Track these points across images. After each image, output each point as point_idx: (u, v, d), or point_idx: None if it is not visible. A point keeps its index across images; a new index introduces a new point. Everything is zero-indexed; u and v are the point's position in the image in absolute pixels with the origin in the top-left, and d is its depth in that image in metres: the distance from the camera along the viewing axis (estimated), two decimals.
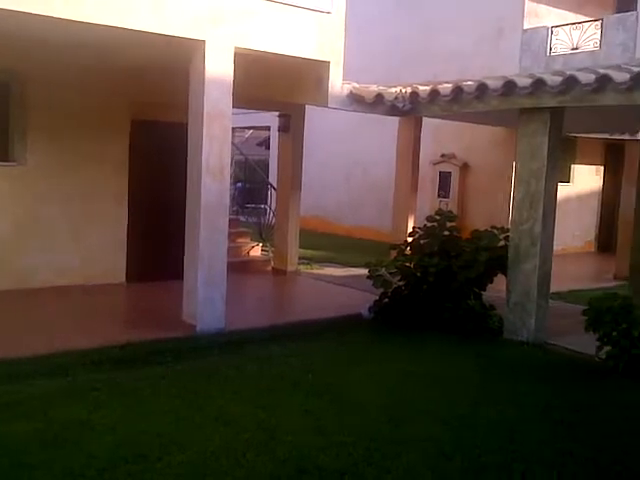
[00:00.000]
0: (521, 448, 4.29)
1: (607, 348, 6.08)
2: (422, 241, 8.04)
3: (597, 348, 6.16)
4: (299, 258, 11.09)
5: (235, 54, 6.64)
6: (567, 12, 13.62)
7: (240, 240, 11.14)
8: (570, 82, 6.60)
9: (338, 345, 6.65)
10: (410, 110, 8.75)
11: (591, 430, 4.68)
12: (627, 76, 6.22)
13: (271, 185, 12.82)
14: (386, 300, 7.74)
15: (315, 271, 11.23)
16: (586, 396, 5.41)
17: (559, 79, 6.73)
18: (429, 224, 8.07)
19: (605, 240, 15.07)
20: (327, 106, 8.17)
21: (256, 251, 11.31)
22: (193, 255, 6.75)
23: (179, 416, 4.55)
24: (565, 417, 4.90)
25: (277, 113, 11.04)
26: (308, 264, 11.64)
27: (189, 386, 5.18)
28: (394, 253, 8.19)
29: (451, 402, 5.14)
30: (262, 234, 12.14)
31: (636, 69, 6.28)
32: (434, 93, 8.19)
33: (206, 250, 6.66)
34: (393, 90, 8.76)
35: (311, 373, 5.65)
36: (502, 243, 7.54)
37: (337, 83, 7.96)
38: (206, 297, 6.72)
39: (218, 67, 6.54)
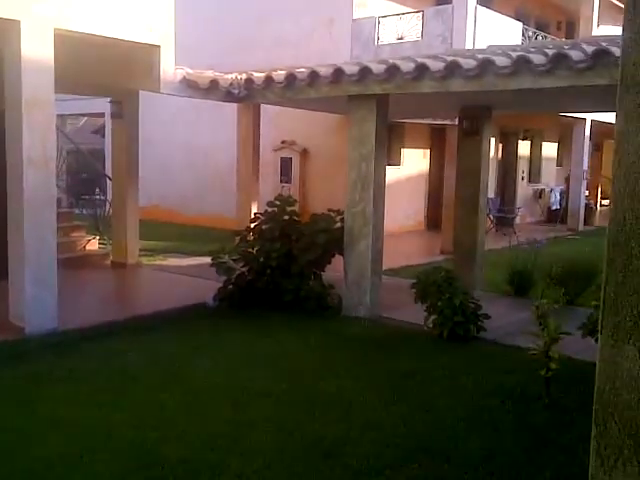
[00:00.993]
0: (358, 418, 4.56)
1: (433, 317, 6.59)
2: (264, 226, 8.17)
3: (425, 318, 6.66)
4: (141, 250, 10.78)
5: (55, 36, 6.29)
6: (394, 3, 14.35)
7: (75, 234, 10.62)
8: (393, 70, 7.01)
9: (182, 336, 6.60)
10: (246, 97, 8.80)
11: (420, 391, 5.08)
12: (442, 65, 6.71)
13: (106, 175, 12.31)
14: (230, 287, 7.79)
15: (158, 262, 10.98)
16: (416, 362, 5.84)
17: (383, 67, 7.12)
18: (270, 209, 8.22)
19: (433, 218, 16.16)
20: (159, 92, 7.99)
21: (93, 245, 10.84)
22: (18, 252, 6.34)
23: (6, 426, 4.31)
24: (397, 383, 5.26)
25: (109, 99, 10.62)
26: (151, 256, 11.36)
27: (17, 392, 4.91)
28: (238, 240, 8.25)
29: (293, 380, 5.32)
30: (99, 227, 11.64)
31: (450, 59, 6.80)
32: (268, 80, 8.31)
33: (32, 246, 6.29)
34: (228, 76, 8.76)
35: (154, 365, 5.59)
36: (339, 225, 7.86)
37: (169, 68, 7.81)
38: (35, 296, 6.34)
39: (36, 50, 6.16)
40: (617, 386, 1.46)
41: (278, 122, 14.12)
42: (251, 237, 8.25)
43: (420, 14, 12.87)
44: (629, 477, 1.44)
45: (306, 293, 7.57)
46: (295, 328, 6.92)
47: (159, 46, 7.52)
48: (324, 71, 7.64)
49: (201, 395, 4.94)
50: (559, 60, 6.00)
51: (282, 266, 7.78)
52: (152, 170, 15.85)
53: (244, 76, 8.73)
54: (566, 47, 6.38)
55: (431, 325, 6.60)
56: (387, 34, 13.20)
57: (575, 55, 5.91)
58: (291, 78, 7.97)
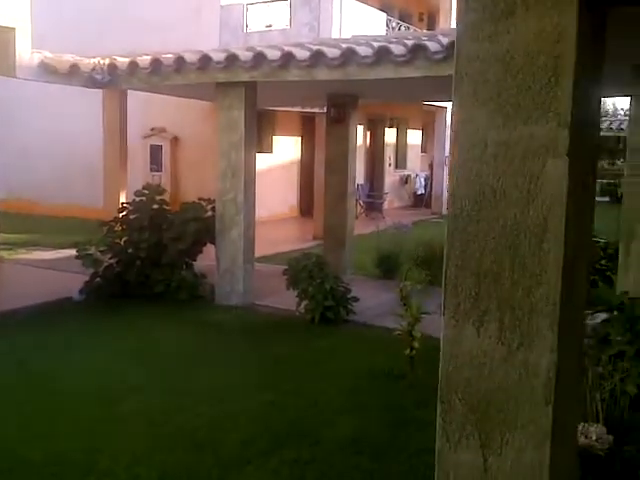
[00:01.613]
0: (231, 406, 4.57)
1: (305, 302, 6.72)
2: (132, 216, 7.92)
3: (297, 303, 6.77)
4: (0, 244, 10.09)
5: None
6: None
7: None
8: (259, 58, 7.00)
9: (46, 333, 6.27)
10: (109, 82, 8.44)
11: (292, 377, 5.17)
12: (307, 54, 6.80)
13: None
14: (98, 280, 7.50)
15: (20, 256, 10.32)
16: (288, 347, 5.93)
17: (250, 55, 7.10)
18: (138, 199, 7.97)
19: (306, 205, 16.38)
20: (15, 77, 7.50)
21: None
22: None
23: None
24: (270, 369, 5.33)
25: None
26: (11, 249, 10.65)
27: None
28: (105, 230, 7.94)
29: (165, 372, 5.24)
30: None
31: (315, 48, 6.90)
32: (133, 65, 8.02)
33: None
34: (90, 61, 8.35)
35: (16, 365, 5.28)
36: (210, 214, 7.78)
37: (25, 52, 7.34)
38: None
39: None
40: (459, 365, 1.57)
41: (147, 109, 13.66)
42: (119, 228, 7.97)
43: (288, 2, 12.93)
44: (472, 450, 1.56)
45: (178, 283, 7.44)
46: (167, 320, 6.79)
47: (14, 28, 7.07)
48: (191, 57, 7.49)
49: (68, 394, 4.73)
50: (417, 51, 6.27)
51: (152, 257, 7.60)
52: (12, 160, 14.83)
53: (107, 61, 8.37)
54: (424, 38, 6.67)
55: (303, 310, 6.72)
56: (256, 21, 13.15)
57: (432, 46, 6.20)
58: (157, 64, 7.74)
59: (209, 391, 4.86)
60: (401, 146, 20.00)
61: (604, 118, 24.20)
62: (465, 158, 1.56)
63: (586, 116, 1.58)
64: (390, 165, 19.45)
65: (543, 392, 1.46)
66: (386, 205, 17.81)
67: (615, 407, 4.01)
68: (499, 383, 1.51)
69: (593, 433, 2.94)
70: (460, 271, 1.57)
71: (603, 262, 7.57)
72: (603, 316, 5.09)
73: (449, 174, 1.62)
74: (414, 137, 20.71)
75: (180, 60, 7.54)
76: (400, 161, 19.99)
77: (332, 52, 6.71)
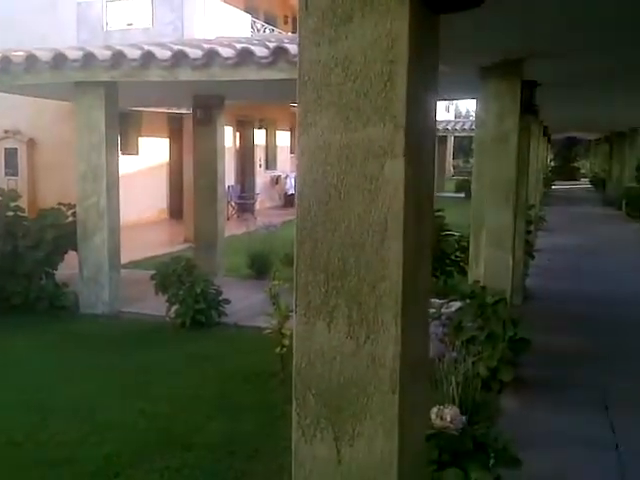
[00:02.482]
0: (99, 419, 4.39)
1: (175, 307, 6.58)
2: None
3: (167, 308, 6.62)
4: None
5: None
6: None
7: None
8: (119, 57, 6.77)
9: None
10: None
11: (162, 383, 5.05)
12: (169, 54, 6.67)
13: None
14: None
15: None
16: (158, 354, 5.79)
17: (109, 53, 6.84)
18: None
19: (176, 207, 16.03)
20: None
21: None
22: None
23: None
24: (139, 378, 5.17)
25: None
26: None
27: None
28: None
29: (27, 388, 4.94)
30: None
31: (177, 47, 6.78)
32: None
33: None
34: None
35: None
36: (71, 219, 7.41)
37: None
38: None
39: None
40: (312, 360, 1.61)
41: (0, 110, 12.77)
42: None
43: (149, 0, 12.58)
44: (326, 443, 1.60)
45: (37, 294, 7.04)
46: (27, 332, 6.39)
47: None
48: (44, 55, 7.10)
49: None
50: (280, 53, 6.34)
51: (6, 266, 7.12)
52: None
53: None
54: (287, 41, 6.76)
55: (173, 315, 6.59)
56: (116, 19, 12.68)
57: (294, 49, 6.29)
58: (6, 62, 7.26)
59: (74, 405, 4.64)
60: (271, 147, 20.11)
61: (458, 119, 25.69)
62: (311, 161, 1.59)
63: (422, 118, 1.67)
64: (260, 166, 19.49)
65: (389, 382, 1.53)
66: (257, 206, 17.83)
67: (469, 389, 4.28)
68: (349, 377, 1.56)
69: (448, 415, 3.11)
70: (310, 270, 1.60)
71: (457, 254, 8.04)
72: (457, 304, 5.41)
73: (296, 177, 1.66)
74: (283, 138, 20.89)
75: (32, 58, 7.12)
76: (270, 162, 20.10)
77: (194, 52, 6.62)
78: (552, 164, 37.43)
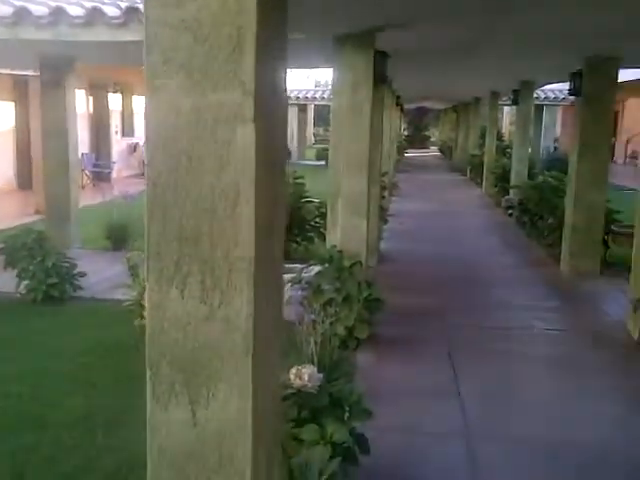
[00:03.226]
0: None
1: (26, 282, 6.22)
2: None
3: (17, 284, 6.24)
4: None
5: None
6: None
7: None
8: None
9: None
10: None
11: (15, 361, 4.79)
12: (10, 10, 6.17)
13: None
14: None
15: None
16: (9, 331, 5.46)
17: None
18: None
19: (24, 176, 15.00)
20: None
21: None
22: None
23: None
24: None
25: None
26: None
27: None
28: None
29: None
30: None
31: (19, 4, 6.27)
32: None
33: None
34: None
35: None
36: None
37: None
38: None
39: None
40: (166, 328, 1.61)
41: None
42: None
43: None
44: (181, 407, 1.62)
45: None
46: None
47: None
48: None
49: None
50: (132, 13, 6.08)
51: None
52: None
53: None
54: (139, 1, 6.47)
55: (24, 291, 6.22)
56: None
57: None
58: None
59: None
60: (127, 113, 19.26)
61: (318, 88, 26.01)
62: (160, 126, 1.57)
63: (271, 85, 1.69)
64: (117, 133, 18.64)
65: (243, 344, 1.57)
66: (114, 174, 17.09)
67: (327, 348, 4.46)
68: (204, 341, 1.58)
69: (306, 374, 3.23)
70: (162, 237, 1.59)
71: (318, 220, 8.23)
72: (317, 269, 5.58)
73: (145, 142, 1.63)
74: (141, 103, 20.06)
75: None
76: (127, 128, 19.27)
77: (39, 10, 6.17)
78: (405, 133, 39.09)
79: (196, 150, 1.55)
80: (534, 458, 3.70)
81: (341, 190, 6.00)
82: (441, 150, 31.75)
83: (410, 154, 30.91)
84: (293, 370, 3.33)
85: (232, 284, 1.56)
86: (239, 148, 1.53)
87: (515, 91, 13.06)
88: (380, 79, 6.87)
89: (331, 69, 6.56)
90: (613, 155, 25.83)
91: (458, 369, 4.92)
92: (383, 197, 9.90)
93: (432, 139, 40.36)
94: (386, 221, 10.29)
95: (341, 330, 5.15)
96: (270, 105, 1.68)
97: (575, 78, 7.88)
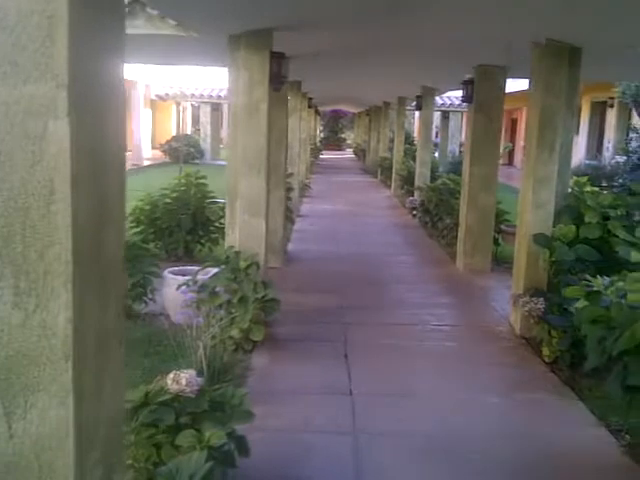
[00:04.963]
0: None
1: None
2: None
3: None
4: None
5: None
6: None
7: None
8: None
9: None
10: None
11: None
12: None
13: None
14: None
15: None
16: None
17: None
18: None
19: None
20: None
21: None
22: None
23: None
24: None
25: None
26: None
27: None
28: None
29: None
30: None
31: None
32: None
33: None
34: None
35: None
36: None
37: None
38: None
39: None
40: None
41: None
42: None
43: None
44: None
45: None
46: None
47: None
48: None
49: None
50: None
51: None
52: None
53: None
54: None
55: None
56: None
57: None
58: None
59: None
60: None
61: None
62: None
63: (95, 76, 1.61)
64: None
65: (62, 350, 1.49)
66: None
67: (218, 352, 4.40)
68: (19, 348, 1.49)
69: (184, 379, 3.16)
70: None
71: (222, 221, 8.14)
72: (214, 270, 5.49)
73: None
74: None
75: None
76: None
77: None
78: (321, 135, 39.41)
79: (6, 145, 1.46)
80: (419, 451, 3.77)
81: (239, 190, 5.94)
82: (355, 153, 32.19)
83: (325, 156, 31.17)
84: (171, 375, 3.25)
85: (48, 287, 1.48)
86: (52, 143, 1.46)
87: (418, 97, 13.37)
88: (277, 80, 6.86)
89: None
90: (512, 159, 27.05)
91: (352, 367, 4.96)
92: (290, 198, 9.89)
93: (348, 142, 40.86)
94: (293, 222, 10.30)
95: (236, 332, 5.09)
96: (95, 98, 1.61)
97: (467, 86, 8.14)
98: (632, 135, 15.31)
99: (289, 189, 9.75)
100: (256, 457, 3.29)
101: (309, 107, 17.15)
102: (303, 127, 14.44)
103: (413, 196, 13.11)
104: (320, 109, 28.77)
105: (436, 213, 10.37)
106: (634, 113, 15.55)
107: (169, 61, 11.62)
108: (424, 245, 10.18)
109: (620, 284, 3.64)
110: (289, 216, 9.39)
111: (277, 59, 6.45)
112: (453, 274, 8.14)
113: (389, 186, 17.44)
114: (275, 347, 5.31)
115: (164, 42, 6.58)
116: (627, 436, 3.91)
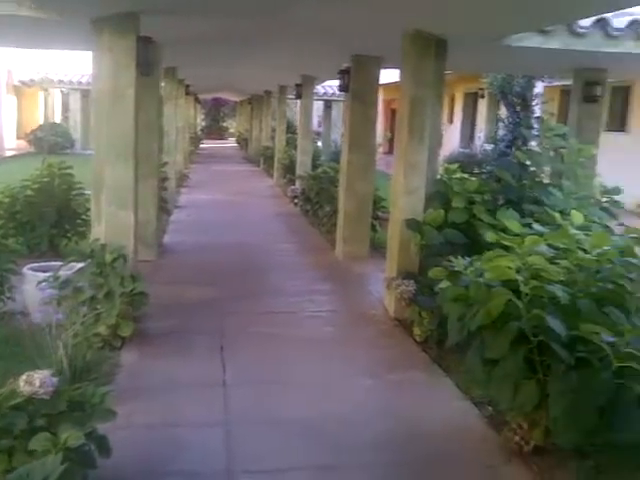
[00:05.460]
0: None
1: None
2: None
3: None
4: None
5: None
6: None
7: None
8: None
9: None
10: None
11: None
12: None
13: None
14: None
15: None
16: None
17: None
18: None
19: None
20: None
21: None
22: None
23: None
24: None
25: None
26: None
27: None
28: None
29: None
30: None
31: None
32: None
33: None
34: None
35: None
36: None
37: None
38: None
39: None
40: None
41: None
42: None
43: None
44: None
45: None
46: None
47: None
48: None
49: None
50: None
51: None
52: None
53: None
54: None
55: None
56: None
57: None
58: None
59: None
60: None
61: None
62: None
63: None
64: None
65: None
66: None
67: (82, 350, 4.17)
68: None
69: (37, 380, 2.97)
70: None
71: (89, 213, 7.77)
72: (79, 265, 5.22)
73: None
74: None
75: None
76: None
77: None
78: (203, 123, 38.70)
79: None
80: (294, 437, 3.78)
81: (105, 181, 5.66)
82: (238, 142, 31.87)
83: (207, 145, 30.65)
84: (23, 377, 3.04)
85: None
86: None
87: (298, 85, 13.41)
88: (146, 65, 6.61)
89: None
90: (393, 148, 27.88)
91: (228, 358, 4.89)
92: (165, 188, 9.61)
93: (230, 130, 40.37)
94: (169, 213, 10.03)
95: (103, 329, 4.86)
96: None
97: (344, 75, 8.24)
98: (501, 124, 16.17)
99: (164, 179, 9.48)
100: (122, 456, 3.17)
101: (187, 94, 16.74)
102: (180, 115, 14.08)
103: (295, 185, 13.16)
104: (201, 97, 28.22)
105: (317, 201, 10.45)
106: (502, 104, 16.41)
107: (33, 45, 10.88)
108: (305, 233, 10.24)
109: (478, 264, 3.81)
110: (164, 207, 9.11)
111: (145, 44, 6.19)
112: (332, 261, 8.25)
113: (271, 175, 17.42)
114: (146, 342, 5.14)
115: (24, 24, 6.13)
116: (489, 407, 4.11)
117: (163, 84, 10.95)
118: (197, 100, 26.89)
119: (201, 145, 28.91)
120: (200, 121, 36.40)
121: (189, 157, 20.34)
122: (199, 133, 31.05)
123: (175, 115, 12.27)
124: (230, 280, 7.18)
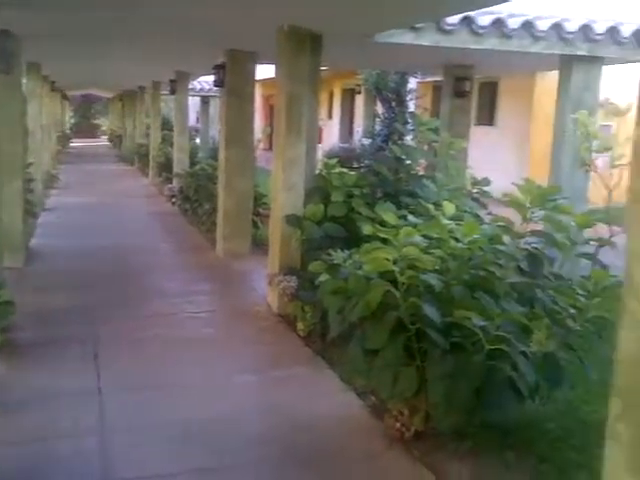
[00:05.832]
0: None
1: None
2: None
3: None
4: None
5: None
6: None
7: None
8: None
9: None
10: None
11: None
12: None
13: None
14: None
15: None
16: None
17: None
18: None
19: None
20: None
21: None
22: None
23: None
24: None
25: None
26: None
27: None
28: None
29: None
30: None
31: None
32: None
33: None
34: None
35: None
36: None
37: None
38: None
39: None
40: None
41: None
42: None
43: None
44: None
45: None
46: None
47: None
48: None
49: None
50: None
51: None
52: None
53: None
54: None
55: None
56: None
57: None
58: None
59: None
60: None
61: None
62: None
63: None
64: None
65: None
66: None
67: None
68: None
69: None
70: None
71: None
72: None
73: None
74: None
75: None
76: None
77: None
78: (72, 121, 36.82)
79: None
80: (175, 440, 3.64)
81: None
82: (111, 140, 30.58)
83: (77, 144, 29.16)
84: None
85: None
86: None
87: (172, 81, 13.05)
88: (5, 61, 6.17)
89: None
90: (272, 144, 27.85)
91: (102, 365, 4.65)
92: (31, 190, 9.01)
93: (103, 128, 38.67)
94: (36, 216, 9.42)
95: None
96: None
97: (219, 70, 8.09)
98: (377, 120, 16.57)
99: (29, 180, 8.88)
100: None
101: (53, 91, 15.83)
102: (46, 113, 13.28)
103: (172, 183, 12.80)
104: (69, 93, 26.81)
105: (196, 199, 10.22)
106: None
107: None
108: (184, 232, 9.99)
109: (357, 257, 3.85)
110: (30, 210, 8.54)
111: (2, 37, 5.78)
112: (213, 260, 8.09)
113: (147, 174, 16.84)
114: (14, 354, 4.79)
115: None
116: (372, 397, 4.18)
117: (25, 81, 10.26)
118: (65, 97, 25.53)
119: (71, 144, 27.47)
120: (69, 119, 34.59)
121: (57, 157, 19.27)
122: (68, 132, 29.49)
123: (40, 113, 11.55)
124: (105, 285, 6.85)
